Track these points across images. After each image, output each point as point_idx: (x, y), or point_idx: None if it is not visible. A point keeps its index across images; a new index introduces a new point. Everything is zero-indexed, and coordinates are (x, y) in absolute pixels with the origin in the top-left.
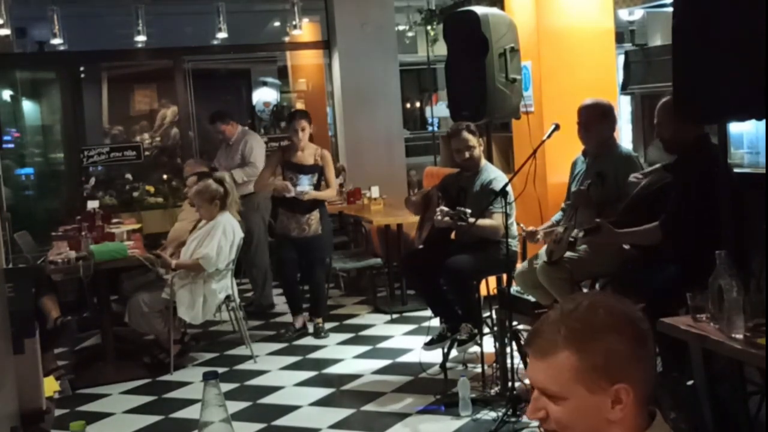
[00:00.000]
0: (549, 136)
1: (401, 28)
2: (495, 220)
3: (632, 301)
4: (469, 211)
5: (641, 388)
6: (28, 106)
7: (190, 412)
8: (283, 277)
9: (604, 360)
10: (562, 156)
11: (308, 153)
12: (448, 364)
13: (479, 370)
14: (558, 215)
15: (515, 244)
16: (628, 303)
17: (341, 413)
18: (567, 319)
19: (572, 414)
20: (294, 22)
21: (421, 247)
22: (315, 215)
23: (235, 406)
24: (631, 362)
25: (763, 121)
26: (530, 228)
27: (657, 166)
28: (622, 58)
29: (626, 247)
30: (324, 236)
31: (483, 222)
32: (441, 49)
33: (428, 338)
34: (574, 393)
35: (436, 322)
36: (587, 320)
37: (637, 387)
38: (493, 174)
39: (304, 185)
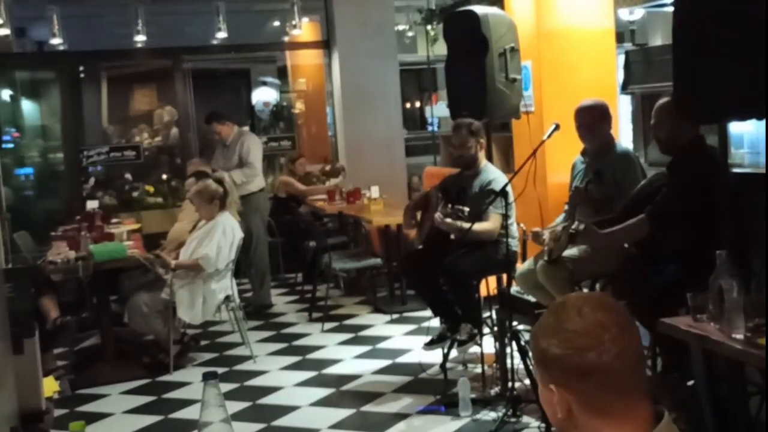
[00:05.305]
0: (549, 136)
1: (401, 27)
2: (490, 223)
3: (632, 301)
4: (466, 209)
5: (586, 399)
6: (27, 106)
7: (189, 413)
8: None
9: (542, 357)
10: (562, 156)
11: None
12: (448, 365)
13: (479, 370)
14: (561, 216)
15: (515, 244)
16: (605, 313)
17: (341, 413)
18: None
19: (539, 394)
20: (294, 22)
21: (420, 247)
22: None
23: (234, 407)
24: (569, 371)
25: (764, 121)
26: (535, 229)
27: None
28: (622, 58)
29: (626, 245)
30: None
31: (477, 227)
32: (441, 48)
33: (428, 338)
34: (538, 377)
35: (435, 322)
36: (544, 317)
37: (579, 396)
38: (493, 174)
39: None
